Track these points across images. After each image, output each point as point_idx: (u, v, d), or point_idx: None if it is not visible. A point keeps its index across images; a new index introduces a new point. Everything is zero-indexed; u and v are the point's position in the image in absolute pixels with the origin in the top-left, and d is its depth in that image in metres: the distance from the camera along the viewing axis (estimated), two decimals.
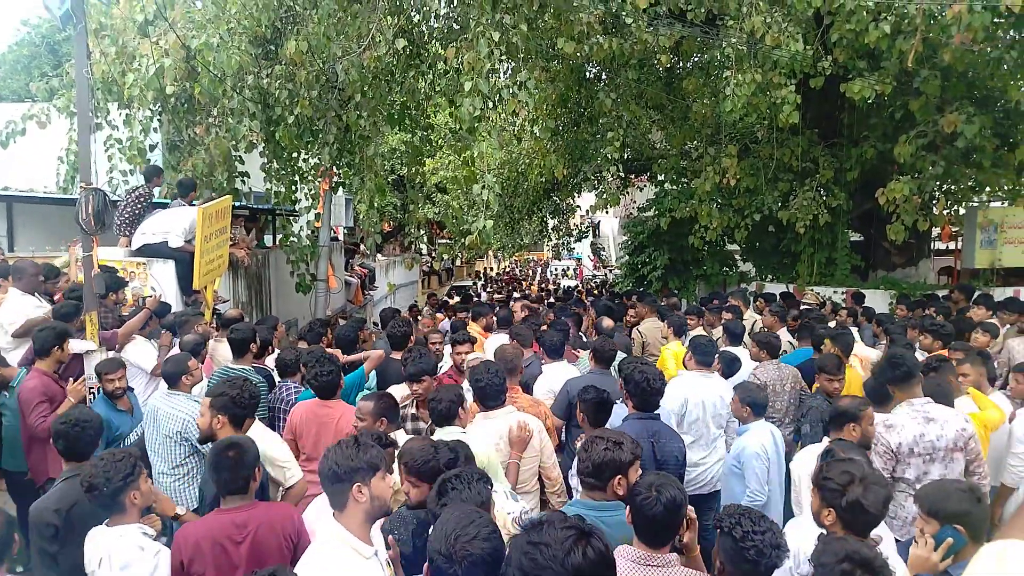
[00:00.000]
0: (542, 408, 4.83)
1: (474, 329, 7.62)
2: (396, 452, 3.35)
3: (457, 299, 16.54)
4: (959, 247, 12.75)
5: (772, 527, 2.39)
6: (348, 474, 2.55)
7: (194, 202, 7.77)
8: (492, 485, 2.86)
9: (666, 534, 2.58)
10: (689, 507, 2.67)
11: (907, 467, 3.89)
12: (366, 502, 2.58)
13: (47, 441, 4.37)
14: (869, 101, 8.38)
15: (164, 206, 7.95)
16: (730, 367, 5.70)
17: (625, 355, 5.82)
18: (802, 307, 9.31)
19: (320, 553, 2.55)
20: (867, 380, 4.92)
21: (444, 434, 3.78)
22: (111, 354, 5.47)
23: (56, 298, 6.75)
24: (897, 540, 3.62)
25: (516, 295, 18.66)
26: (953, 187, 10.35)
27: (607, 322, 6.65)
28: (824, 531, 2.75)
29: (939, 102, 8.70)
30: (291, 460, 4.13)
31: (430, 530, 2.86)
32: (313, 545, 2.64)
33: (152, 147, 8.81)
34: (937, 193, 10.00)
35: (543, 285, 30.33)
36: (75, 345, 5.32)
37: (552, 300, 14.66)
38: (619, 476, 2.93)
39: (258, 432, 4.04)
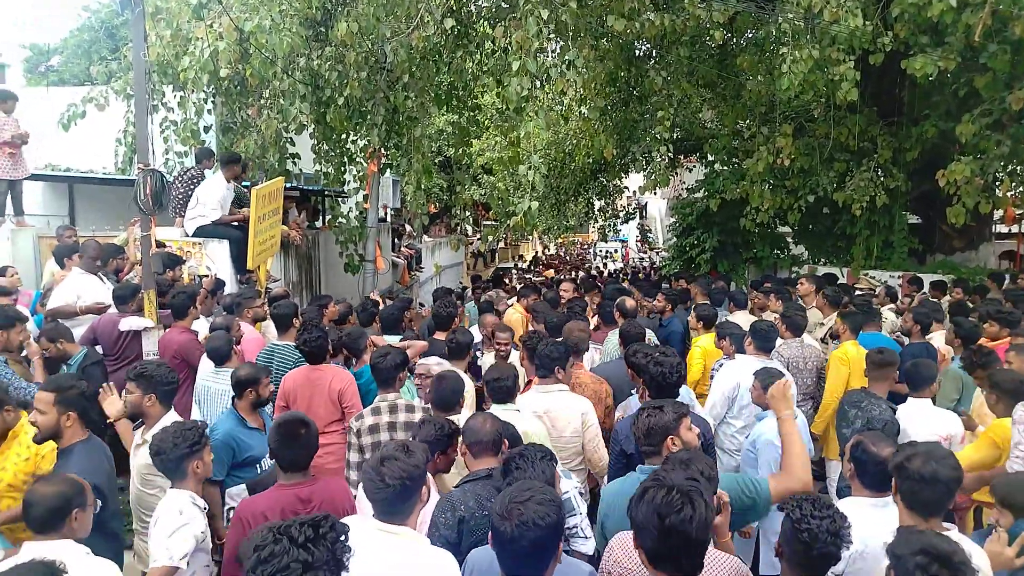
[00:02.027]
0: (604, 387, 4.89)
1: (517, 309, 7.64)
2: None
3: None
4: (1022, 230, 12.27)
5: (835, 515, 2.34)
6: (416, 481, 2.57)
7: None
8: (557, 463, 2.88)
9: None
10: (722, 491, 2.64)
11: None
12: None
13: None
14: (931, 78, 8.03)
15: None
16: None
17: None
18: (856, 292, 9.08)
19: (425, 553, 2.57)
20: (1000, 371, 4.58)
21: (500, 410, 3.83)
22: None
23: (121, 274, 6.98)
24: None
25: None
26: (1019, 168, 9.92)
27: (629, 302, 6.50)
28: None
29: (1007, 78, 8.31)
30: None
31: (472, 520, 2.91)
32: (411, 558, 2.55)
33: (206, 129, 8.99)
34: (1001, 174, 9.58)
35: (586, 267, 30.06)
36: (132, 322, 5.49)
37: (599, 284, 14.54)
38: (669, 436, 3.01)
39: None
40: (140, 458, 3.68)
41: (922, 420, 4.38)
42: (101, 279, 6.34)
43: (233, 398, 4.32)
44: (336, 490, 3.24)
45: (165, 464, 3.15)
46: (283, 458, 3.18)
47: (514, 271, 24.35)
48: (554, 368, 4.33)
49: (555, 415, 4.16)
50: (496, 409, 3.91)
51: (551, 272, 24.52)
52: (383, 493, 2.51)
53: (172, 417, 3.74)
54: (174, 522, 3.00)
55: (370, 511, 2.62)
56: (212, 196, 7.62)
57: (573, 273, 23.42)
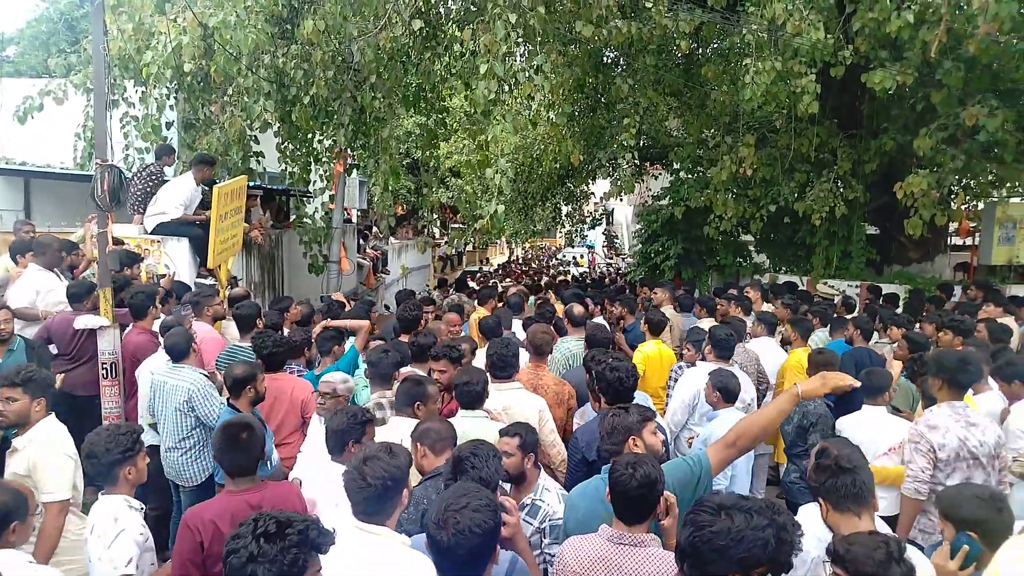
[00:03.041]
0: (566, 389, 4.96)
1: (480, 313, 7.65)
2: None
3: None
4: (976, 243, 12.61)
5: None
6: (398, 483, 2.57)
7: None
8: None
9: (640, 511, 2.60)
10: (669, 494, 2.65)
11: (952, 473, 3.83)
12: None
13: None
14: (890, 92, 8.23)
15: None
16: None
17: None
18: (814, 300, 9.25)
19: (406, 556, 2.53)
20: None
21: (468, 416, 3.88)
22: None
23: (76, 271, 6.82)
24: None
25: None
26: (973, 182, 10.19)
27: (578, 309, 6.48)
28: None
29: (961, 94, 8.56)
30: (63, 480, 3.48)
31: None
32: (389, 556, 2.52)
33: (168, 125, 8.82)
34: (956, 188, 9.84)
35: (551, 273, 30.05)
36: (87, 320, 5.37)
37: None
38: (631, 437, 3.04)
39: (56, 431, 3.64)
40: (13, 466, 3.51)
41: (875, 428, 4.47)
42: (58, 275, 6.20)
43: (228, 399, 4.31)
44: (288, 496, 3.17)
45: (96, 468, 3.05)
46: (227, 462, 3.11)
47: (478, 275, 24.25)
48: (516, 366, 4.43)
49: (513, 412, 4.25)
50: (463, 414, 3.92)
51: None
52: (363, 492, 2.50)
53: (51, 421, 3.63)
54: (111, 530, 2.92)
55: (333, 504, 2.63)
56: (177, 195, 7.49)
57: (536, 279, 23.36)
